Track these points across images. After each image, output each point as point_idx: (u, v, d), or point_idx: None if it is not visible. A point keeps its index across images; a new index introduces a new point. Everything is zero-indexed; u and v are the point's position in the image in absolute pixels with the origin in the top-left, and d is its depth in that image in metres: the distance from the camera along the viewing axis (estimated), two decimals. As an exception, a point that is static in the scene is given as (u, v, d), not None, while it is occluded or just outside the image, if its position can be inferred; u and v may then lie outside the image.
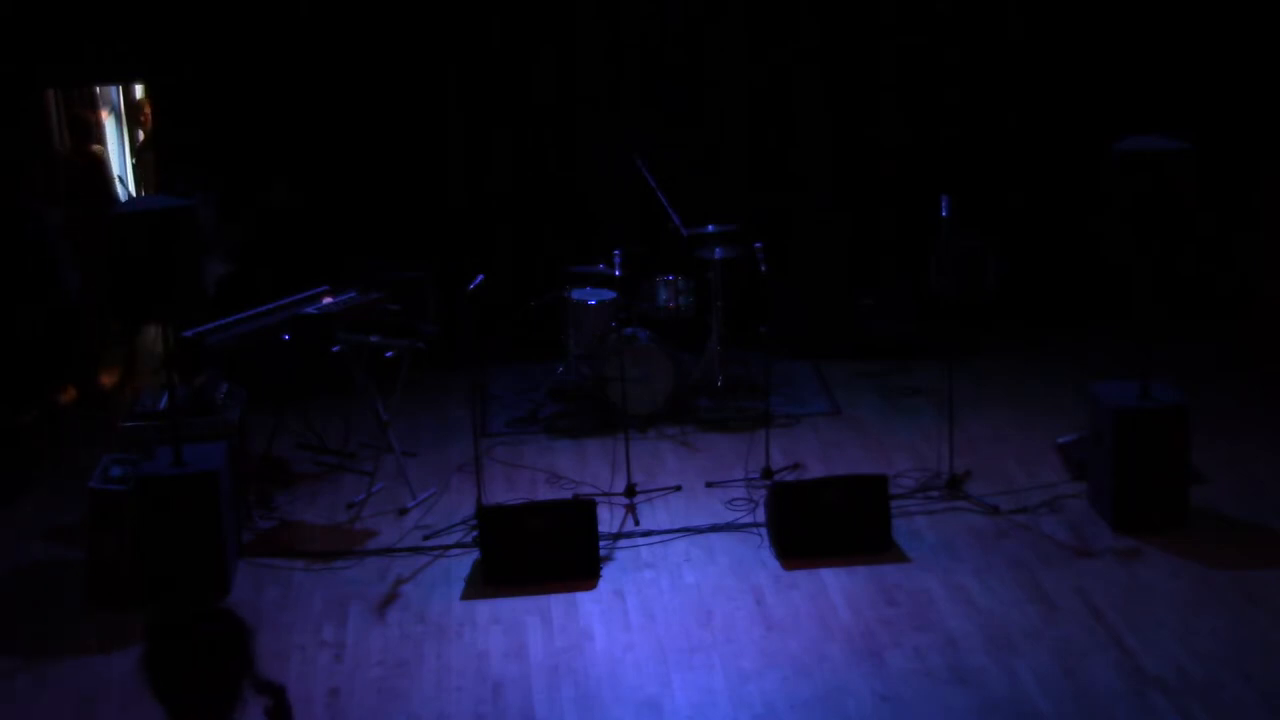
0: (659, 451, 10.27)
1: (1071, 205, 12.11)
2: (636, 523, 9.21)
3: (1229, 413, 10.44)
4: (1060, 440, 9.91)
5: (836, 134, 12.25)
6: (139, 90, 13.33)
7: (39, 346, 11.28)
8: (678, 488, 9.65)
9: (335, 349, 9.49)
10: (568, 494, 9.54)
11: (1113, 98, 12.07)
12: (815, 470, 9.80)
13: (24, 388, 11.29)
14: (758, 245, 10.49)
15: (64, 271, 11.55)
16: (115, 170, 12.80)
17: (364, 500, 9.62)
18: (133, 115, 13.58)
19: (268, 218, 11.61)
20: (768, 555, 8.74)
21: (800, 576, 8.47)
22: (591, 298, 10.90)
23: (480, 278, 9.46)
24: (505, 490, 9.72)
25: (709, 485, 9.67)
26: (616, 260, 10.58)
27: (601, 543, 8.72)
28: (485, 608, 8.27)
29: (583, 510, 8.64)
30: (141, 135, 12.70)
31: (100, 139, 12.99)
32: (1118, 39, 12.17)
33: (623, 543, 8.96)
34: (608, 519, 9.14)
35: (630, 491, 9.44)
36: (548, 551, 8.52)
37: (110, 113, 13.70)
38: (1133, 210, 8.50)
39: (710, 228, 11.04)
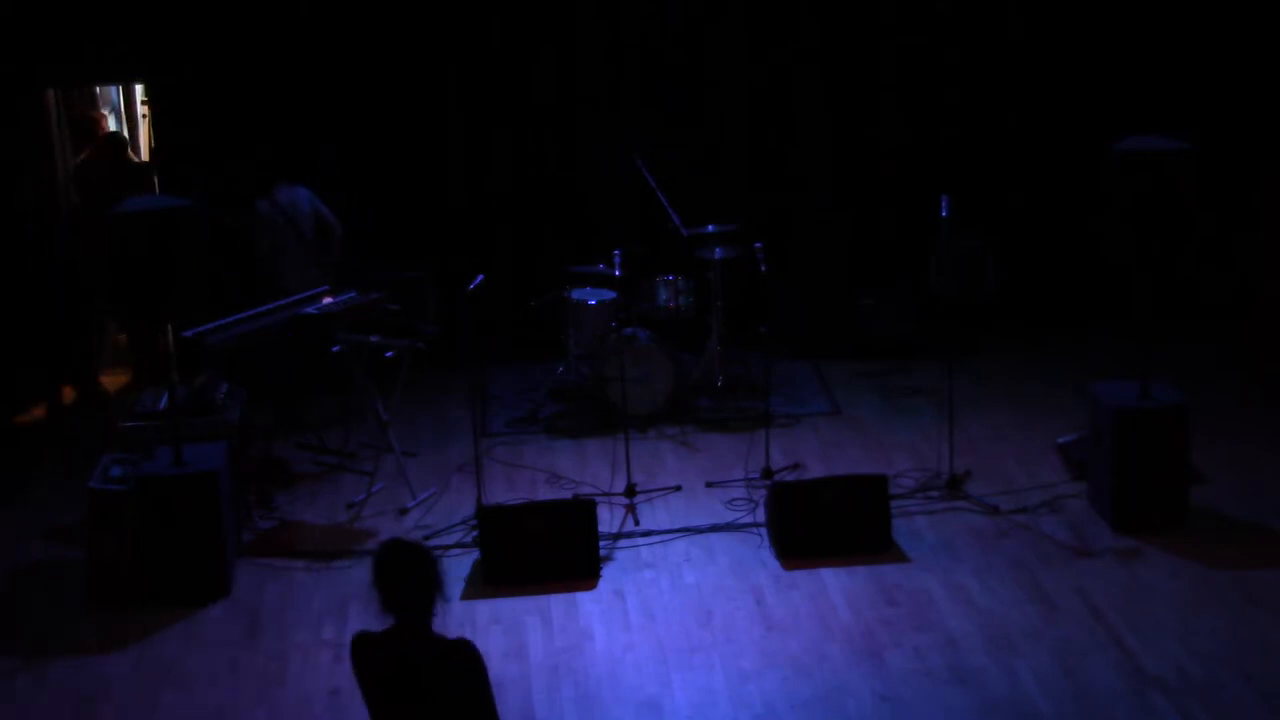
0: (659, 451, 10.27)
1: (1071, 205, 12.11)
2: (636, 523, 9.21)
3: (1229, 413, 10.44)
4: (1060, 440, 9.91)
5: (836, 134, 12.25)
6: (139, 90, 13.33)
7: (40, 346, 11.27)
8: (678, 488, 9.65)
9: (335, 349, 9.49)
10: (568, 494, 9.54)
11: (1113, 98, 12.07)
12: (815, 470, 9.80)
13: (25, 387, 11.29)
14: (758, 245, 10.49)
15: (70, 271, 11.56)
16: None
17: (364, 500, 9.63)
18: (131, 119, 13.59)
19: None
20: (768, 555, 8.74)
21: (800, 576, 8.47)
22: (591, 298, 10.90)
23: (480, 278, 9.47)
24: (505, 490, 9.72)
25: (709, 485, 9.67)
26: (616, 260, 10.58)
27: (601, 543, 8.72)
28: (485, 608, 8.27)
29: (583, 510, 8.64)
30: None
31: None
32: (1118, 39, 12.17)
33: (623, 543, 8.96)
34: (608, 519, 9.14)
35: (630, 491, 9.44)
36: (548, 551, 8.52)
37: (110, 113, 13.70)
38: (1133, 210, 8.50)
39: (710, 228, 11.05)
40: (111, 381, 11.91)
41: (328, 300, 9.82)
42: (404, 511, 9.48)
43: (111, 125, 13.52)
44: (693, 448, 10.33)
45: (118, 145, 12.36)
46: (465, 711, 4.78)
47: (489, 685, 4.84)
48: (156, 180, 12.20)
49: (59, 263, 11.49)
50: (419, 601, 4.77)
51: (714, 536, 9.01)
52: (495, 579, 8.50)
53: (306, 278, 10.56)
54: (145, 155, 13.35)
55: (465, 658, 4.75)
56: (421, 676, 4.76)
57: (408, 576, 4.77)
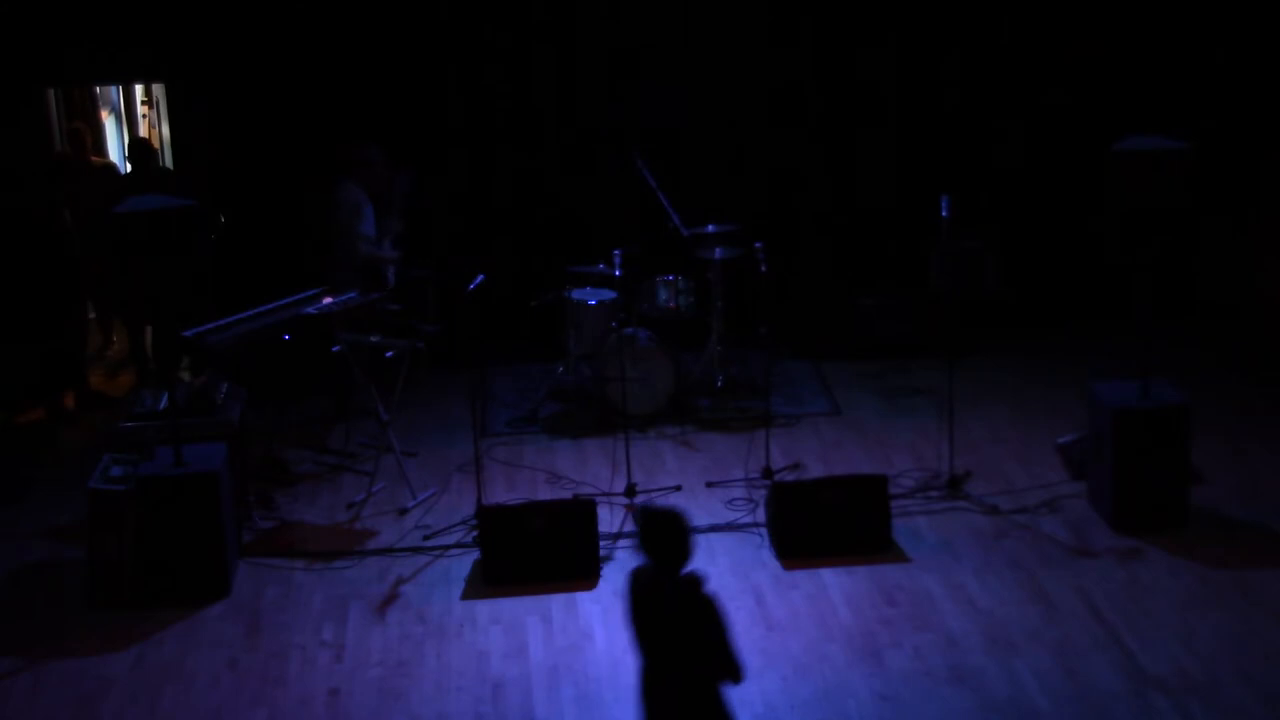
0: (659, 451, 10.27)
1: (1071, 205, 12.11)
2: (637, 523, 9.21)
3: (1229, 413, 10.44)
4: (1060, 440, 9.91)
5: (836, 134, 12.24)
6: (139, 90, 13.33)
7: (40, 346, 11.26)
8: (678, 488, 9.65)
9: (335, 349, 9.49)
10: (568, 494, 9.54)
11: (1113, 98, 12.07)
12: (815, 470, 9.80)
13: (25, 388, 11.28)
14: (758, 245, 10.48)
15: (70, 272, 11.54)
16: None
17: (364, 500, 9.63)
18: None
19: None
20: (768, 555, 8.74)
21: (800, 576, 8.47)
22: (591, 298, 10.90)
23: (480, 278, 9.46)
24: (505, 490, 9.72)
25: (709, 485, 9.67)
26: (616, 260, 10.56)
27: (601, 543, 8.72)
28: (485, 608, 8.28)
29: (583, 510, 8.64)
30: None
31: (100, 147, 12.96)
32: (1118, 39, 12.16)
33: (623, 543, 8.96)
34: (608, 519, 9.13)
35: (630, 491, 9.44)
36: (548, 551, 8.52)
37: (110, 113, 13.71)
38: (1133, 210, 8.51)
39: (710, 228, 11.05)
40: (109, 382, 11.90)
41: (328, 300, 9.81)
42: (404, 512, 9.47)
43: (111, 126, 13.53)
44: (693, 448, 10.33)
45: (147, 153, 12.12)
46: (706, 645, 5.75)
47: (725, 627, 5.75)
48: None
49: (59, 263, 11.48)
50: (672, 554, 5.71)
51: (714, 536, 9.00)
52: (495, 579, 8.50)
53: (338, 278, 10.45)
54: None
55: (706, 604, 5.71)
56: (673, 614, 5.73)
57: (663, 534, 5.75)
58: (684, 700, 5.80)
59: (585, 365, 11.03)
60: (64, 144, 12.21)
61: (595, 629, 8.04)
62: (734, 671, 5.80)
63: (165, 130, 12.63)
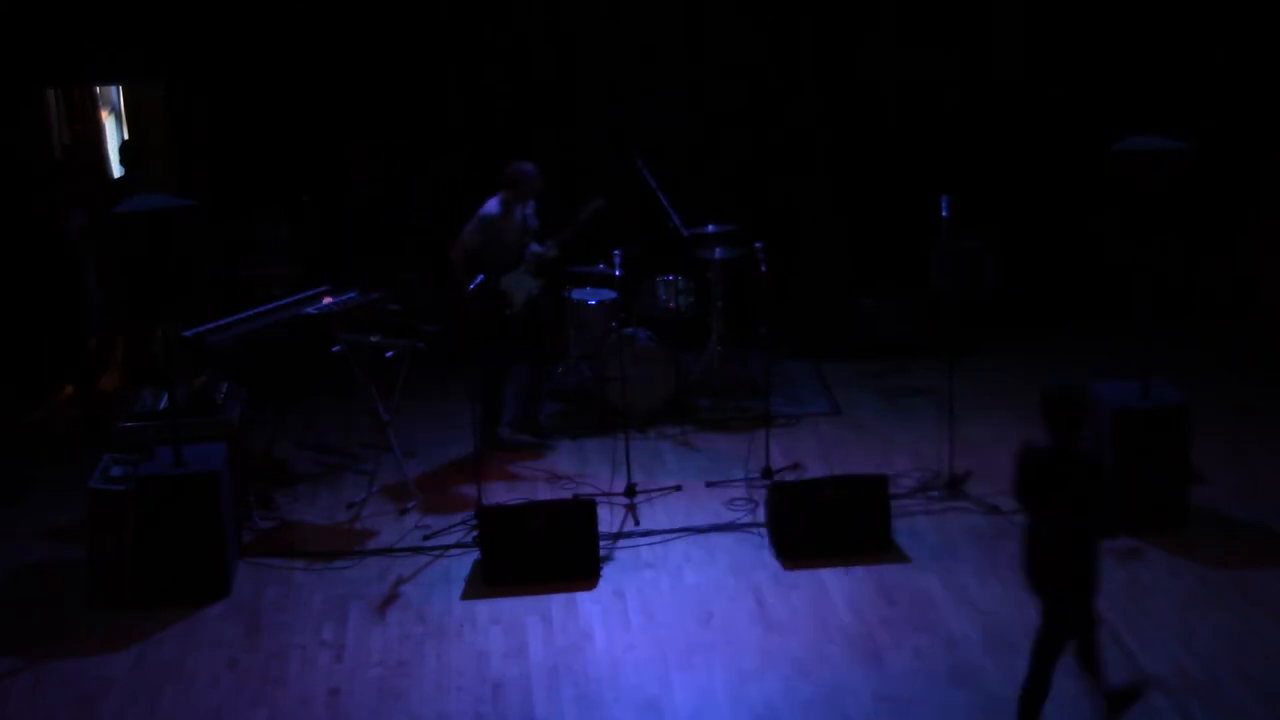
0: (659, 451, 10.27)
1: (1071, 205, 12.11)
2: (636, 523, 9.21)
3: (1229, 413, 10.44)
4: (1060, 440, 9.90)
5: (837, 134, 12.25)
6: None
7: (41, 347, 11.27)
8: (678, 488, 9.65)
9: (335, 349, 9.49)
10: (568, 494, 9.54)
11: (1113, 98, 12.07)
12: (815, 470, 9.80)
13: (25, 388, 11.29)
14: (758, 245, 10.49)
15: (84, 272, 11.55)
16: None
17: (364, 500, 9.63)
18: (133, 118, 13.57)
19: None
20: (768, 555, 8.74)
21: (800, 576, 8.47)
22: (591, 298, 10.90)
23: (480, 278, 9.46)
24: (505, 490, 9.72)
25: (709, 485, 9.67)
26: (616, 260, 10.56)
27: (601, 543, 8.72)
28: (485, 608, 8.27)
29: (583, 510, 8.64)
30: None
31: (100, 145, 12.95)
32: (1118, 39, 12.17)
33: (623, 543, 8.96)
34: (608, 519, 9.13)
35: (630, 491, 9.44)
36: (548, 551, 8.52)
37: (110, 113, 13.70)
38: (1133, 210, 8.51)
39: (710, 228, 11.05)
40: (109, 382, 11.90)
41: (328, 300, 9.82)
42: (404, 512, 9.47)
43: (110, 126, 13.52)
44: (693, 448, 10.33)
45: (139, 155, 12.10)
46: (1090, 505, 6.44)
47: (1108, 490, 6.54)
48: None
49: (59, 263, 11.49)
50: (1068, 425, 6.42)
51: (714, 536, 9.00)
52: (495, 579, 8.50)
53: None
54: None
55: (1097, 468, 6.50)
56: (1064, 477, 6.43)
57: (1063, 407, 6.42)
58: (1066, 552, 6.44)
59: (585, 365, 11.02)
60: (66, 144, 12.21)
61: (595, 629, 8.04)
62: (1112, 529, 6.59)
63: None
